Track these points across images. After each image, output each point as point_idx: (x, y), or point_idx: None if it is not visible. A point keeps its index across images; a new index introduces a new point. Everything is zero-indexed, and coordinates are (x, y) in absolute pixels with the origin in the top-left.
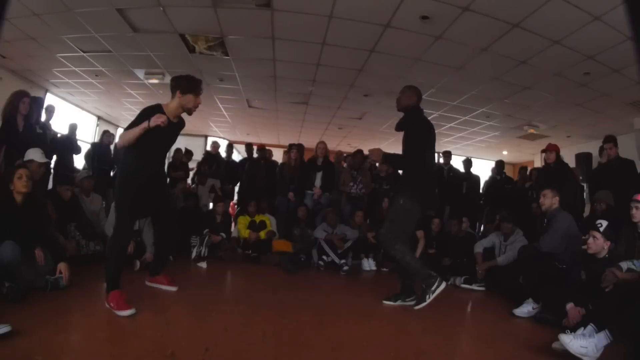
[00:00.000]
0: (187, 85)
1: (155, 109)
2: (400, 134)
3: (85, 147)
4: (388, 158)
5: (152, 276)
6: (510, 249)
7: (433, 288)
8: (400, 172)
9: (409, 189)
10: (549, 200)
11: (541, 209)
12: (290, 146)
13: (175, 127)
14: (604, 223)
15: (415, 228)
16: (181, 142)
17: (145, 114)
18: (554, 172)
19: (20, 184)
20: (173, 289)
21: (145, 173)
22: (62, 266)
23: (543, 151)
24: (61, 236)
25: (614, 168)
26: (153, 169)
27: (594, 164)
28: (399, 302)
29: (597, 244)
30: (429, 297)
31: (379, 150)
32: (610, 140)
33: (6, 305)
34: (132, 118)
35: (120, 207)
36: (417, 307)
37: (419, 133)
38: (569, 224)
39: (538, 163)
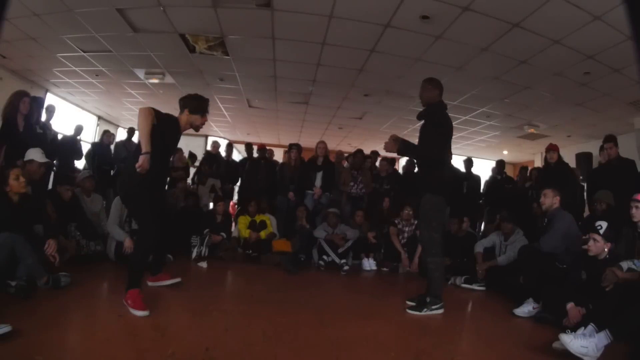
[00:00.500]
0: (196, 107)
1: (174, 122)
2: (401, 131)
3: (85, 147)
4: (407, 144)
5: (153, 275)
6: (510, 248)
7: (434, 307)
8: (401, 172)
9: (430, 185)
10: (550, 199)
11: (541, 208)
12: (291, 146)
13: (179, 133)
14: (604, 225)
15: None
16: (181, 142)
17: (164, 124)
18: (554, 171)
19: (17, 185)
20: (177, 280)
21: (155, 175)
22: (50, 240)
23: (547, 150)
24: (62, 236)
25: (614, 168)
26: (163, 171)
27: (594, 164)
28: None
29: (598, 246)
30: (425, 312)
31: (395, 135)
32: (611, 139)
33: (6, 305)
34: (133, 118)
35: (142, 209)
36: (410, 311)
37: (436, 132)
38: (570, 224)
39: (538, 163)
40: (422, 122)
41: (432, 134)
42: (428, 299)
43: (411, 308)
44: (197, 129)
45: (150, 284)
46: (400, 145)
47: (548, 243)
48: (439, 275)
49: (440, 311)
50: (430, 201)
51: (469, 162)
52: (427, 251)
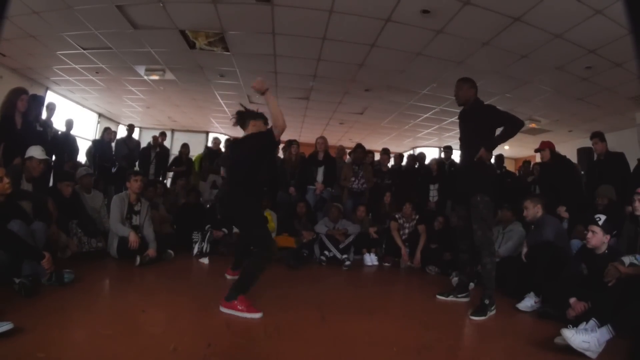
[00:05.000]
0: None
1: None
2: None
3: (82, 142)
4: (490, 143)
5: (233, 270)
6: (508, 236)
7: (493, 307)
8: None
9: (482, 186)
10: (532, 210)
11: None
12: (290, 142)
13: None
14: (602, 217)
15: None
16: (183, 138)
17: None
18: (551, 167)
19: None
20: None
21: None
22: (48, 255)
23: (536, 151)
24: (63, 234)
25: (603, 163)
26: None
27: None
28: (451, 298)
29: (597, 238)
30: (490, 313)
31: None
32: (595, 135)
33: (9, 302)
34: (133, 115)
35: (261, 224)
36: (475, 318)
37: (489, 130)
38: (557, 226)
39: (539, 157)
40: (462, 121)
41: (488, 133)
42: (487, 301)
43: (474, 314)
44: None
45: (228, 277)
46: (488, 147)
47: (540, 237)
48: (494, 273)
49: (494, 312)
50: (484, 201)
51: None
52: (485, 251)
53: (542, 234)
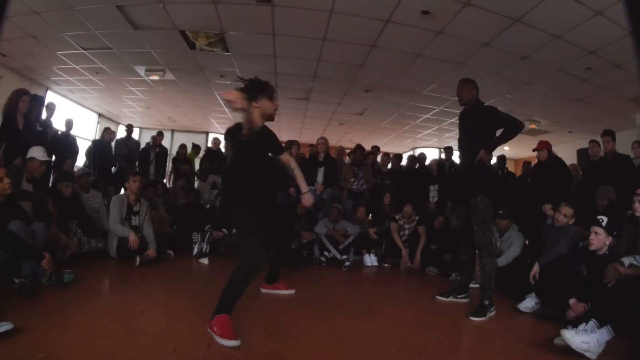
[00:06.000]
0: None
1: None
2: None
3: (81, 143)
4: (490, 144)
5: (269, 284)
6: (506, 245)
7: (493, 308)
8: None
9: (482, 187)
10: (568, 219)
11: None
12: (290, 143)
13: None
14: (605, 219)
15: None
16: (183, 138)
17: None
18: (546, 167)
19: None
20: (292, 291)
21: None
22: (47, 254)
23: (534, 150)
24: (63, 234)
25: (608, 163)
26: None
27: None
28: (450, 298)
29: (599, 239)
30: (489, 313)
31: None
32: (609, 133)
33: (9, 302)
34: (133, 115)
35: (248, 229)
36: (474, 319)
37: (491, 130)
38: (574, 239)
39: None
40: (462, 122)
41: (488, 134)
42: (486, 302)
43: (473, 315)
44: (272, 117)
45: (263, 290)
46: (488, 149)
47: (556, 252)
48: (494, 274)
49: (494, 313)
50: (484, 202)
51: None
52: (486, 252)
53: (560, 242)
